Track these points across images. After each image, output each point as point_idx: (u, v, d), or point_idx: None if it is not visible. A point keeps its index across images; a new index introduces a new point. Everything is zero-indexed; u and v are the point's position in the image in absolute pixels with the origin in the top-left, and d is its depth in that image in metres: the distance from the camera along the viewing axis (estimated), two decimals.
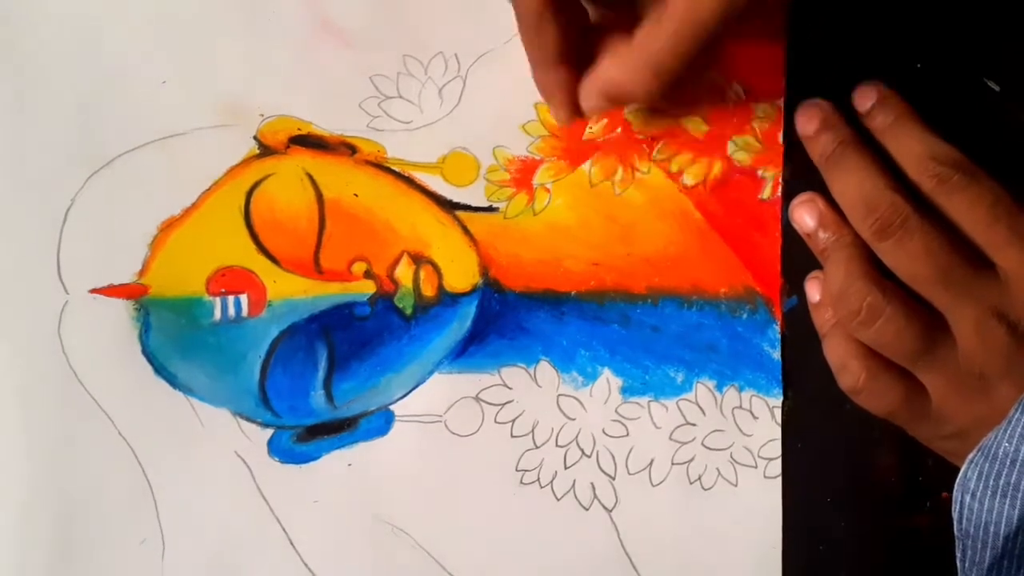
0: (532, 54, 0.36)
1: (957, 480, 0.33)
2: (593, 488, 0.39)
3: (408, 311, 0.39)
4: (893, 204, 0.36)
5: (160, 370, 0.38)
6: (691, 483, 0.39)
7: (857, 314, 0.36)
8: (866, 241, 0.36)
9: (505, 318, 0.39)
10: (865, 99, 0.38)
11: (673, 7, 0.33)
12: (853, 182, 0.37)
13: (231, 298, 0.39)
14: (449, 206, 0.39)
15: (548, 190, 0.40)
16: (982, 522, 0.32)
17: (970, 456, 0.33)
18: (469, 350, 0.39)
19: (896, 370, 0.37)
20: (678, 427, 0.39)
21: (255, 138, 0.39)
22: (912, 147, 0.37)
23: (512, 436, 0.39)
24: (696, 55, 0.34)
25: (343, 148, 0.39)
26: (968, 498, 0.33)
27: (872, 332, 0.36)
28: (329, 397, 0.39)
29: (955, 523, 0.33)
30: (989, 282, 0.35)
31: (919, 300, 0.36)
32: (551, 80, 0.36)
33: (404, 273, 0.39)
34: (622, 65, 0.35)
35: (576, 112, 0.37)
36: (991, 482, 0.32)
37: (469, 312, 0.39)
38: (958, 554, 0.33)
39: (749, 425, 0.39)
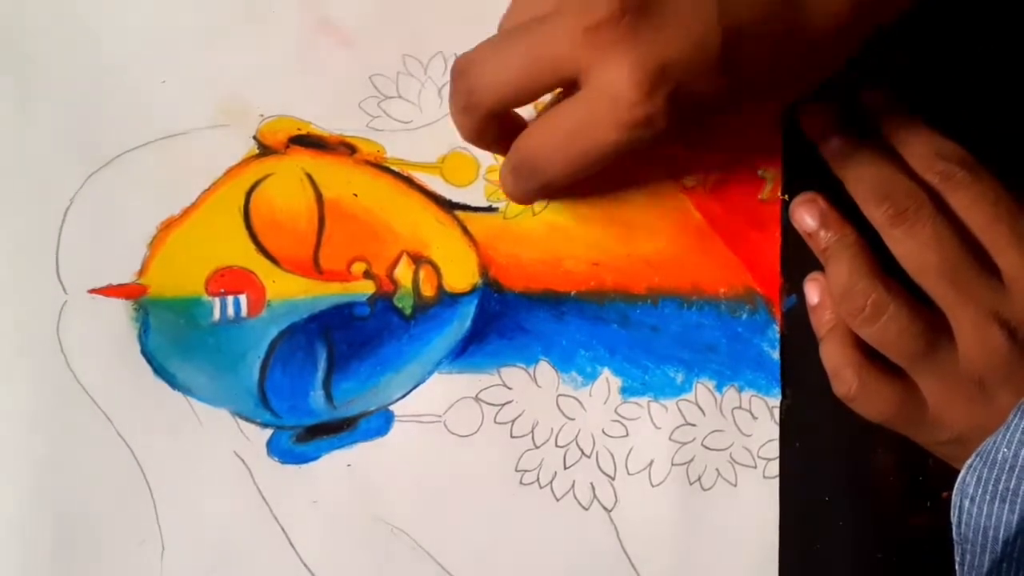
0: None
1: (956, 485, 0.33)
2: (593, 488, 0.39)
3: (408, 311, 0.39)
4: (908, 191, 0.36)
5: (159, 370, 0.38)
6: (691, 483, 0.39)
7: (861, 311, 0.36)
8: (878, 228, 0.36)
9: (505, 318, 0.39)
10: (871, 100, 0.38)
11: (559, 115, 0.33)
12: (870, 170, 0.37)
13: (230, 298, 0.39)
14: (449, 206, 0.39)
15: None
16: (981, 526, 0.32)
17: (968, 461, 0.33)
18: (469, 350, 0.39)
19: (890, 378, 0.37)
20: (678, 427, 0.39)
21: (254, 138, 0.39)
22: (918, 144, 0.37)
23: (512, 436, 0.39)
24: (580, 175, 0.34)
25: (343, 148, 0.39)
26: (967, 503, 0.33)
27: (875, 330, 0.36)
28: (328, 397, 0.39)
29: (954, 527, 0.33)
30: (992, 285, 0.35)
31: (923, 302, 0.36)
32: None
33: (404, 273, 0.39)
34: (507, 158, 0.35)
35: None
36: (990, 487, 0.32)
37: (469, 312, 0.39)
38: (957, 558, 0.34)
39: (748, 425, 0.39)
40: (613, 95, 0.31)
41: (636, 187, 0.40)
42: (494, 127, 0.34)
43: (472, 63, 0.33)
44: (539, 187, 0.35)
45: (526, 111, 0.36)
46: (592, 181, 0.39)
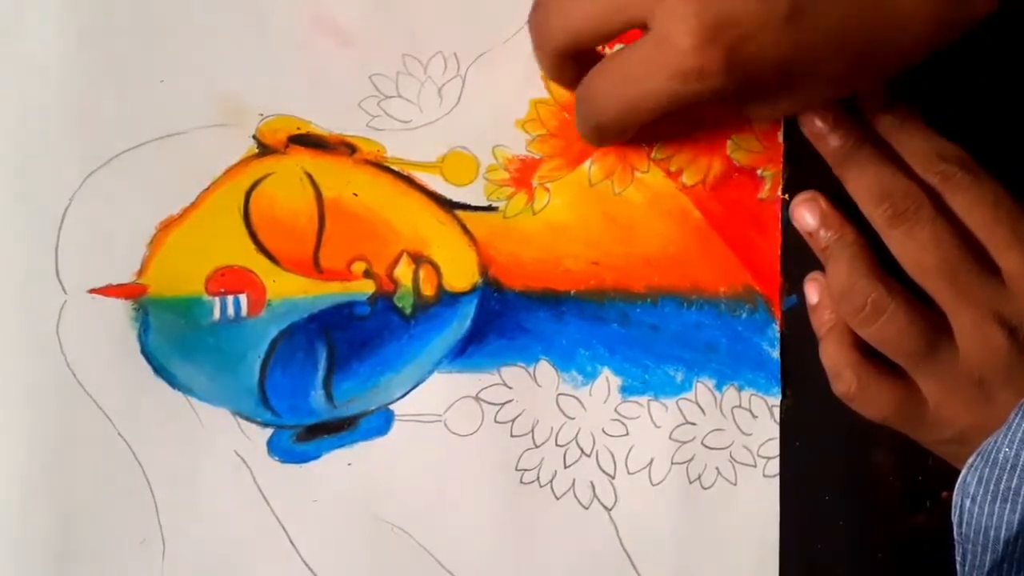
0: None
1: (957, 484, 0.33)
2: (593, 487, 0.39)
3: (408, 310, 0.39)
4: (908, 191, 0.36)
5: (159, 370, 0.38)
6: (691, 482, 0.39)
7: (861, 310, 0.36)
8: (877, 229, 0.36)
9: (505, 317, 0.39)
10: (872, 100, 0.38)
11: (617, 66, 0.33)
12: (870, 170, 0.37)
13: (230, 298, 0.39)
14: (449, 205, 0.39)
15: (547, 189, 0.39)
16: (982, 526, 0.32)
17: (969, 461, 0.33)
18: (469, 349, 0.39)
19: (890, 377, 0.37)
20: (678, 426, 0.39)
21: (254, 137, 0.39)
22: (917, 145, 0.37)
23: (512, 435, 0.39)
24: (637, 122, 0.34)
25: (342, 147, 0.39)
26: (968, 502, 0.33)
27: (874, 329, 0.36)
28: (329, 396, 0.39)
29: (955, 527, 0.33)
30: (993, 285, 0.35)
31: (923, 302, 0.36)
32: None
33: (404, 272, 0.39)
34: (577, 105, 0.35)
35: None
36: (991, 487, 0.32)
37: (469, 311, 0.39)
38: (958, 557, 0.34)
39: (748, 424, 0.39)
40: (671, 42, 0.31)
41: (636, 186, 0.40)
42: (570, 66, 0.34)
43: (547, 1, 0.33)
44: (596, 127, 0.35)
45: None
46: (593, 178, 0.39)
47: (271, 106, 0.39)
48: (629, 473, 0.39)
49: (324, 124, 0.39)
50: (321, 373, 0.39)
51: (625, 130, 0.35)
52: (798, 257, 0.39)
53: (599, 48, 0.36)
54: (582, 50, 0.34)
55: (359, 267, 0.39)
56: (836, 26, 0.31)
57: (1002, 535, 0.32)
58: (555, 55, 0.34)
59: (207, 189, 0.39)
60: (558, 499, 0.39)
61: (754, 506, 0.39)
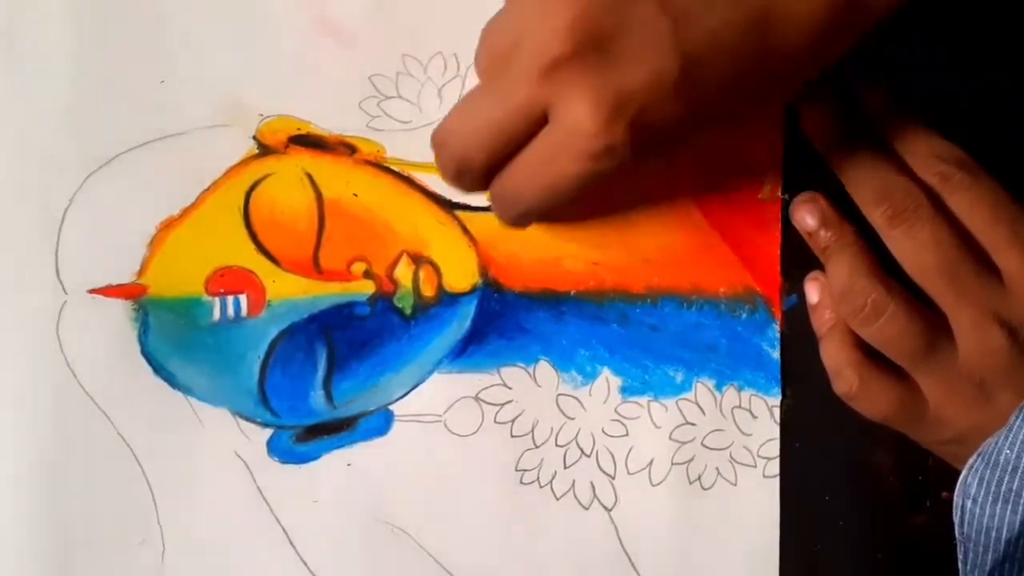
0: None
1: (958, 485, 0.33)
2: (593, 488, 0.39)
3: (408, 311, 0.39)
4: (907, 191, 0.36)
5: (159, 370, 0.38)
6: (690, 483, 0.39)
7: (861, 310, 0.36)
8: (877, 229, 0.36)
9: (504, 318, 0.39)
10: (871, 100, 0.38)
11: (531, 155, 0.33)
12: (869, 171, 0.37)
13: (230, 298, 0.39)
14: (448, 206, 0.39)
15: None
16: (983, 527, 0.32)
17: (970, 462, 0.33)
18: (469, 350, 0.39)
19: (891, 377, 0.37)
20: (677, 427, 0.39)
21: (254, 138, 0.39)
22: (917, 146, 0.37)
23: (512, 436, 0.39)
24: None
25: (342, 148, 0.39)
26: (969, 503, 0.33)
27: (875, 329, 0.36)
28: (328, 397, 0.39)
29: (956, 526, 0.33)
30: (992, 285, 0.35)
31: (923, 302, 0.36)
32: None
33: (403, 273, 0.39)
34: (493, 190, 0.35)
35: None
36: (992, 488, 0.32)
37: (468, 312, 0.39)
38: (960, 557, 0.34)
39: (748, 424, 0.39)
40: (574, 128, 0.31)
41: (636, 187, 0.40)
42: (491, 177, 0.35)
43: (449, 134, 0.34)
44: (520, 215, 0.35)
45: None
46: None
47: (271, 106, 0.39)
48: (629, 473, 0.39)
49: (324, 124, 0.39)
50: (321, 373, 0.39)
51: (547, 212, 0.35)
52: (798, 257, 0.39)
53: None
54: (500, 161, 0.34)
55: (359, 267, 0.39)
56: (728, 79, 0.32)
57: (1003, 535, 0.32)
58: (480, 178, 0.34)
59: (207, 189, 0.39)
60: (558, 499, 0.39)
61: (754, 506, 0.39)
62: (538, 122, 0.32)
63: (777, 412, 0.39)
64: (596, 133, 0.31)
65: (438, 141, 0.35)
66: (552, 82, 0.31)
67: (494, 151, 0.33)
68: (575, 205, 0.35)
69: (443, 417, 0.39)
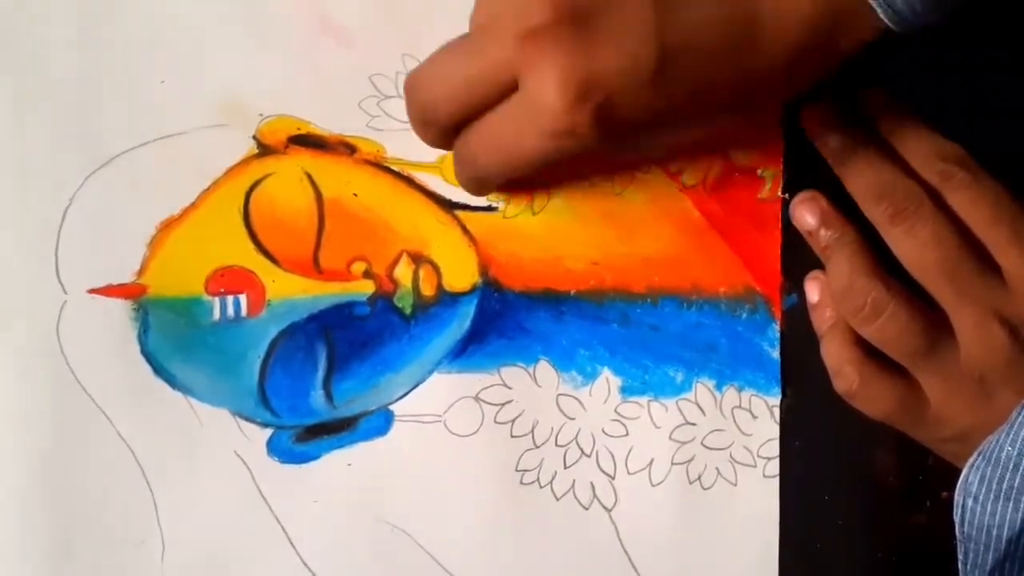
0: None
1: (958, 483, 0.33)
2: (593, 488, 0.39)
3: (407, 311, 0.39)
4: (908, 190, 0.36)
5: (159, 370, 0.38)
6: (691, 483, 0.39)
7: (861, 309, 0.36)
8: (877, 227, 0.36)
9: (504, 318, 0.39)
10: (871, 100, 0.38)
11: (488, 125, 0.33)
12: (870, 169, 0.37)
13: (230, 298, 0.39)
14: (448, 205, 0.39)
15: (547, 189, 0.39)
16: (984, 525, 0.32)
17: (971, 460, 0.33)
18: (469, 350, 0.39)
19: (892, 375, 0.37)
20: (678, 427, 0.39)
21: (254, 138, 0.39)
22: (917, 145, 0.37)
23: (512, 436, 0.39)
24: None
25: (342, 148, 0.39)
26: (970, 501, 0.33)
27: (875, 328, 0.36)
28: (328, 397, 0.39)
29: (957, 525, 0.33)
30: (993, 283, 0.35)
31: (923, 300, 0.36)
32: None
33: (403, 273, 0.39)
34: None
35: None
36: (993, 486, 0.32)
37: (468, 312, 0.39)
38: (960, 556, 0.34)
39: (748, 424, 0.39)
40: (538, 103, 0.31)
41: (636, 186, 0.40)
42: (454, 134, 0.35)
43: (420, 78, 0.34)
44: (479, 181, 0.35)
45: None
46: (590, 179, 0.39)
47: (271, 106, 0.39)
48: (629, 473, 0.39)
49: (324, 124, 0.39)
50: (321, 373, 0.39)
51: (503, 182, 0.36)
52: (798, 257, 0.39)
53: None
54: (465, 120, 0.34)
55: (359, 267, 0.39)
56: (703, 79, 0.32)
57: (1004, 533, 0.32)
58: (443, 130, 0.34)
59: (207, 189, 0.39)
60: (558, 500, 0.39)
61: (754, 506, 0.39)
62: (507, 88, 0.32)
63: (777, 412, 0.39)
64: (559, 112, 0.30)
65: (409, 85, 0.34)
66: (526, 49, 0.31)
67: (460, 104, 0.33)
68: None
69: (443, 417, 0.39)
